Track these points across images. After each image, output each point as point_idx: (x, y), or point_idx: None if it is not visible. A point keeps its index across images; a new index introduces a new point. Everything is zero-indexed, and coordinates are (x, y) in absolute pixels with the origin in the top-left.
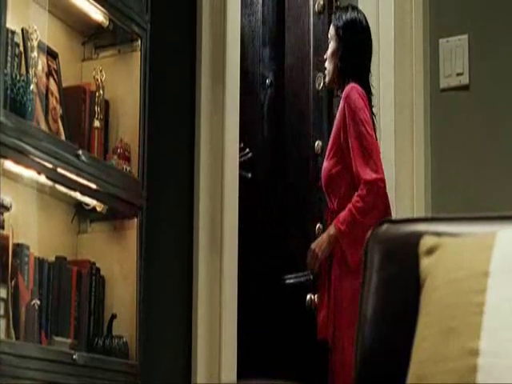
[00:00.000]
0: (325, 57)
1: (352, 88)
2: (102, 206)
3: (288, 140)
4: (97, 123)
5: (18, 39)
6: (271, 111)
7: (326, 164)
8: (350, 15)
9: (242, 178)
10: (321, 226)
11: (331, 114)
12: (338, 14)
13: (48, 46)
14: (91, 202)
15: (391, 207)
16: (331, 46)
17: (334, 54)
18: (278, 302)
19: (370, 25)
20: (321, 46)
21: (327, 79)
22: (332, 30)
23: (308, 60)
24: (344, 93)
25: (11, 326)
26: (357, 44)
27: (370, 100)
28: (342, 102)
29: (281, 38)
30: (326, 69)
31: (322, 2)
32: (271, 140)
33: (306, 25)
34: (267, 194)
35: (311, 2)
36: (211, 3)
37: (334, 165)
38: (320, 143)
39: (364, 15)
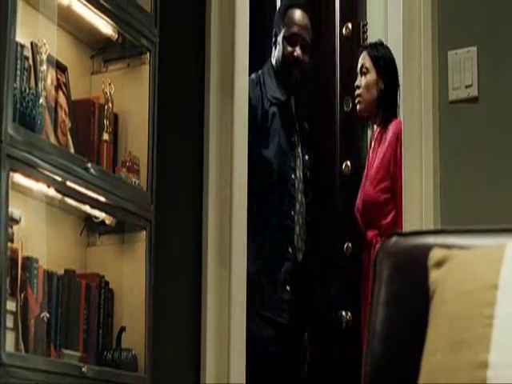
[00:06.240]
0: (357, 84)
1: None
2: (111, 218)
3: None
4: (106, 136)
5: (28, 53)
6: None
7: (370, 190)
8: (387, 53)
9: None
10: (350, 245)
11: (357, 135)
12: (376, 48)
13: (57, 60)
14: (100, 214)
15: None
16: (369, 76)
17: (373, 85)
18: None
19: (379, 37)
20: (348, 70)
21: (361, 107)
22: (368, 61)
23: (335, 82)
24: (395, 127)
25: (20, 338)
26: (395, 79)
27: None
28: (391, 135)
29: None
30: (358, 95)
31: (350, 26)
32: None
33: (331, 46)
34: None
35: (337, 25)
36: (220, 17)
37: (382, 192)
38: (349, 163)
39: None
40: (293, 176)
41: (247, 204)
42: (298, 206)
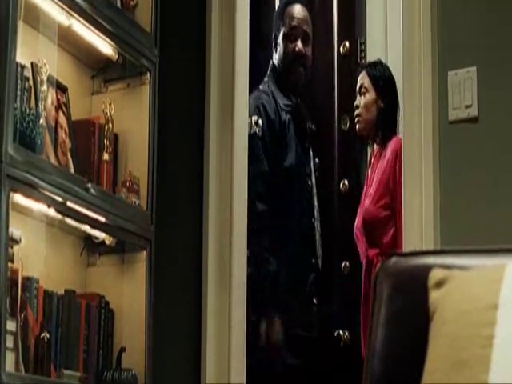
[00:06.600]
0: (356, 103)
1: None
2: (111, 238)
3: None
4: (106, 156)
5: (28, 73)
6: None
7: (371, 207)
8: (386, 72)
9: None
10: (347, 264)
11: (355, 154)
12: (374, 67)
13: (57, 80)
14: (100, 235)
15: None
16: (368, 96)
17: (372, 104)
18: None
19: (379, 56)
20: (346, 88)
21: (360, 126)
22: (367, 81)
23: (332, 100)
24: (393, 145)
25: (20, 358)
26: (394, 97)
27: None
28: (390, 152)
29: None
30: (358, 115)
31: (347, 45)
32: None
33: (330, 66)
34: None
35: (335, 44)
36: (220, 36)
37: (382, 209)
38: (347, 182)
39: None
40: (309, 182)
41: (270, 217)
42: (315, 212)
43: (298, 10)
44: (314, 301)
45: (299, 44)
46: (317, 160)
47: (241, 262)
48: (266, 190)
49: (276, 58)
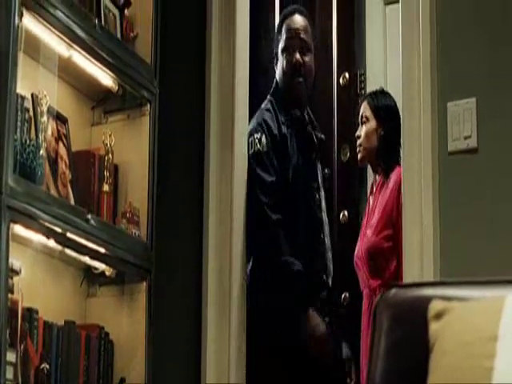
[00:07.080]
0: (357, 134)
1: None
2: (111, 269)
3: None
4: (106, 187)
5: (28, 104)
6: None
7: (373, 238)
8: (388, 101)
9: None
10: (347, 295)
11: (354, 185)
12: (376, 97)
13: (57, 111)
14: (100, 266)
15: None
16: (369, 125)
17: (372, 132)
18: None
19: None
20: (345, 119)
21: (362, 156)
22: (368, 111)
23: (333, 131)
24: (396, 176)
25: None
26: (396, 127)
27: None
28: (393, 183)
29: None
30: (359, 145)
31: (347, 76)
32: None
33: (330, 97)
34: None
35: (335, 75)
36: (220, 67)
37: (385, 240)
38: (346, 213)
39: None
40: (317, 196)
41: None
42: (325, 227)
43: (295, 20)
44: (326, 319)
45: (297, 55)
46: (326, 170)
47: (240, 290)
48: (276, 201)
49: (277, 74)
